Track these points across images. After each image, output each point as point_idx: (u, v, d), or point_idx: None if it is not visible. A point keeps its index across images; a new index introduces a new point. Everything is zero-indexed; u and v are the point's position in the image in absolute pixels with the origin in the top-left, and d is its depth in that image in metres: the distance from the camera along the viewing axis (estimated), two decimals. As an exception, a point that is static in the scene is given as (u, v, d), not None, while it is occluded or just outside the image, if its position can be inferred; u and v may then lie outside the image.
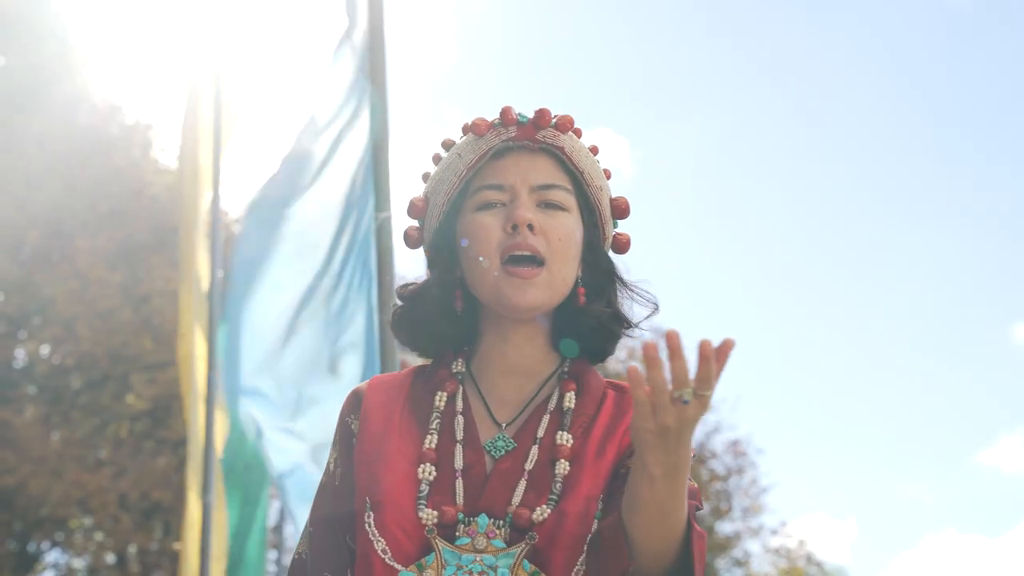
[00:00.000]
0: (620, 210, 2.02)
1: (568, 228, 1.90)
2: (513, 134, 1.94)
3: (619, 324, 1.97)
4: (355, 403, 1.96)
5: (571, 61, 38.90)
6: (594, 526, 1.78)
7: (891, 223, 38.56)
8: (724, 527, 24.63)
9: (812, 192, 38.54)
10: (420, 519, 1.77)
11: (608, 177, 2.02)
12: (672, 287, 37.37)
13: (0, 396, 18.14)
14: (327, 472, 1.97)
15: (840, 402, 39.57)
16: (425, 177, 2.02)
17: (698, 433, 24.88)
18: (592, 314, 1.93)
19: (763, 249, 37.86)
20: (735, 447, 24.64)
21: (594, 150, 2.00)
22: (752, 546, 25.22)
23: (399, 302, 2.00)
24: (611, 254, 2.03)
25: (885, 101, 38.42)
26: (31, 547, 18.66)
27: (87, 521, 18.50)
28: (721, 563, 24.70)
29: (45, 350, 19.00)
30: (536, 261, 1.86)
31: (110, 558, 19.12)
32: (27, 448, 16.95)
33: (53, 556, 19.19)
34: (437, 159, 2.00)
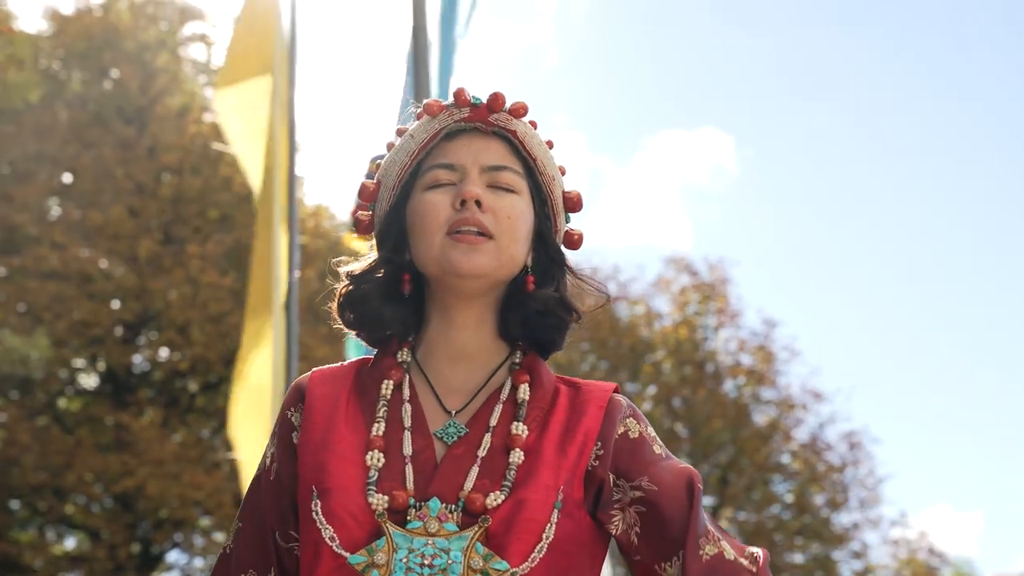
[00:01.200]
0: (573, 203, 1.99)
1: (518, 208, 1.88)
2: (466, 115, 1.91)
3: (566, 311, 1.92)
4: (297, 396, 1.93)
5: (673, 61, 38.65)
6: (554, 516, 1.75)
7: (1013, 212, 37.60)
8: (841, 519, 24.26)
9: (922, 183, 37.77)
10: (369, 504, 1.74)
11: (563, 173, 1.99)
12: (783, 282, 36.91)
13: (119, 400, 18.60)
14: (262, 466, 1.93)
15: (965, 391, 38.75)
16: (377, 165, 1.99)
17: (812, 424, 24.59)
18: (539, 298, 1.89)
19: (878, 239, 37.19)
20: (850, 438, 24.25)
21: (550, 144, 1.97)
22: (871, 538, 24.82)
23: (344, 281, 1.96)
24: (563, 249, 2.00)
25: (1008, 89, 37.48)
26: (154, 549, 19.07)
27: (206, 522, 18.86)
28: (839, 555, 24.33)
29: (163, 354, 19.41)
30: (483, 236, 1.84)
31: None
32: (146, 451, 17.34)
33: (174, 557, 19.60)
34: (391, 146, 1.97)
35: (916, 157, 37.41)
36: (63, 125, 18.56)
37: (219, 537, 19.33)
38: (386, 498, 1.74)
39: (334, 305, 1.96)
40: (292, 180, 7.85)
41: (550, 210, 1.95)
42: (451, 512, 1.74)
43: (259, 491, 1.91)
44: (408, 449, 1.79)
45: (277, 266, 7.22)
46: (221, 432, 18.93)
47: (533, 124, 1.94)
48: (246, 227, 18.23)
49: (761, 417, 24.46)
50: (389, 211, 1.94)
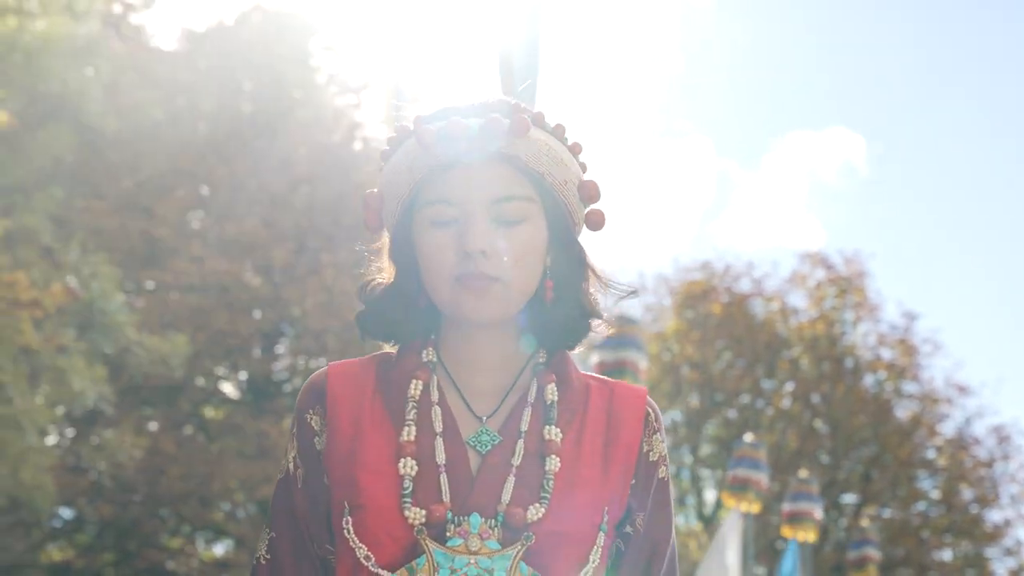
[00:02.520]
0: (589, 196, 1.84)
1: (526, 242, 1.75)
2: (463, 146, 1.75)
3: (587, 318, 1.83)
4: (315, 396, 1.83)
5: (798, 62, 38.04)
6: (600, 539, 1.71)
7: None
8: (992, 515, 23.66)
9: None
10: (406, 519, 1.67)
11: (578, 152, 1.84)
12: (923, 274, 36.07)
13: (260, 408, 18.93)
14: (285, 472, 1.84)
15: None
16: (384, 156, 1.84)
17: (958, 419, 24.02)
18: (558, 311, 1.80)
19: (1021, 225, 36.14)
20: (999, 432, 23.63)
21: (559, 130, 1.82)
22: (1024, 534, 24.18)
23: (363, 305, 1.86)
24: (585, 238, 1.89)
25: None
26: (296, 553, 19.37)
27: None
28: (992, 552, 23.74)
29: (301, 362, 19.71)
30: (491, 279, 1.73)
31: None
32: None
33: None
34: (394, 143, 1.83)
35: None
36: (200, 140, 18.96)
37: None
38: (423, 512, 1.66)
39: (359, 327, 1.87)
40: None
41: (566, 212, 1.82)
42: (492, 528, 1.67)
43: (290, 497, 1.82)
44: (441, 457, 1.71)
45: None
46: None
47: (539, 119, 1.80)
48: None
49: (904, 412, 23.99)
50: (396, 233, 1.82)
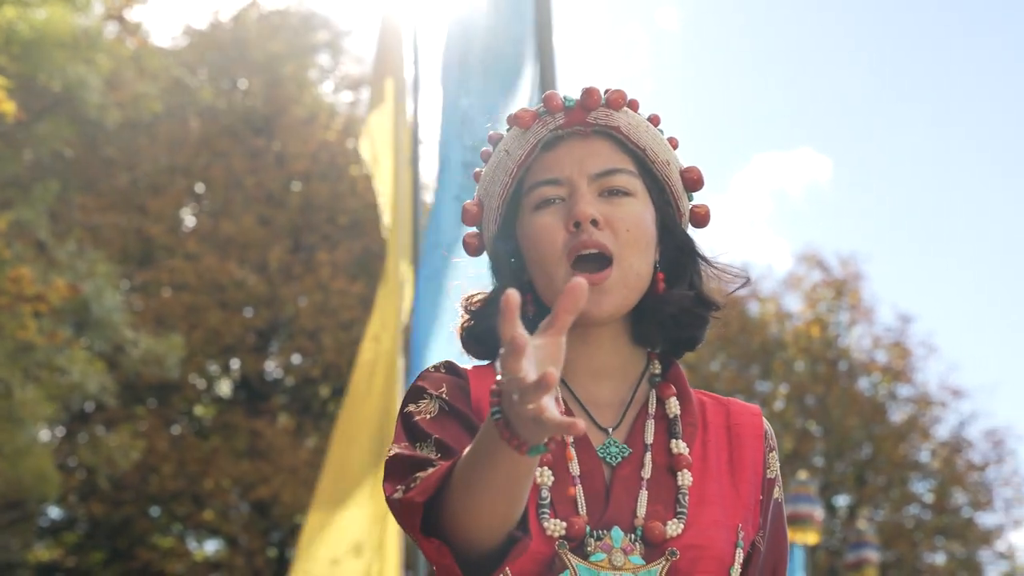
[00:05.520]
0: (693, 182, 1.81)
1: (636, 215, 1.71)
2: (562, 121, 1.74)
3: (704, 307, 1.77)
4: (459, 376, 1.73)
5: (765, 83, 38.21)
6: (738, 556, 1.65)
7: None
8: (986, 519, 23.66)
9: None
10: (544, 531, 1.58)
11: (675, 147, 1.81)
12: (918, 277, 36.16)
13: (253, 407, 18.82)
14: (441, 402, 1.68)
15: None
16: (477, 176, 1.83)
17: (952, 422, 24.01)
18: (673, 300, 1.73)
19: (1016, 230, 36.24)
20: (993, 436, 23.64)
21: (654, 120, 1.79)
22: (1017, 539, 24.21)
23: (466, 316, 1.80)
24: (691, 230, 1.83)
25: None
26: (289, 553, 19.27)
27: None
28: (985, 556, 23.76)
29: (295, 361, 19.60)
30: (605, 260, 1.68)
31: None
32: (279, 458, 17.51)
33: (309, 562, 19.77)
34: (486, 156, 1.82)
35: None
36: (194, 136, 18.85)
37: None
38: (564, 524, 1.59)
39: (457, 339, 1.81)
40: (416, 179, 7.73)
41: (670, 196, 1.79)
42: (633, 543, 1.61)
43: (456, 417, 1.67)
44: (576, 469, 1.64)
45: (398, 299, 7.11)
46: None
47: (634, 106, 1.78)
48: (375, 233, 18.32)
49: (898, 415, 23.99)
50: (498, 233, 1.79)
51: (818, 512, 13.34)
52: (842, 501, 23.98)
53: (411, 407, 1.69)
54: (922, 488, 24.06)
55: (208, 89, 18.96)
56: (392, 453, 1.64)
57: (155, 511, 18.94)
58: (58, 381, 12.18)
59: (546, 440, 1.35)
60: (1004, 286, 37.03)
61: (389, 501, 1.57)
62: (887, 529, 22.89)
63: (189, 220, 19.72)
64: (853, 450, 23.53)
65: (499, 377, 1.34)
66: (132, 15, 14.67)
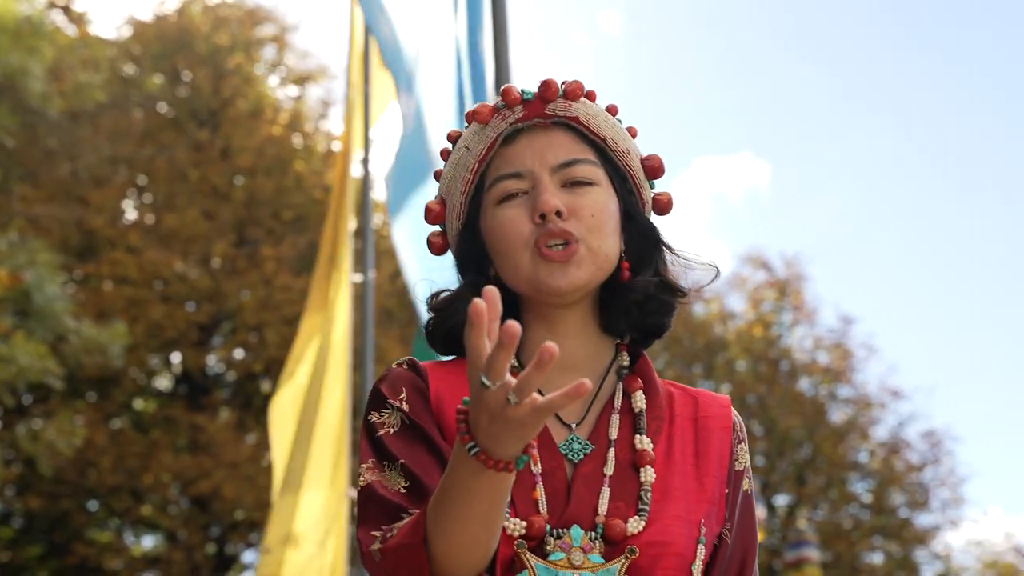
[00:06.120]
0: (654, 170, 1.82)
1: (600, 203, 1.72)
2: (520, 114, 1.75)
3: (669, 293, 1.77)
4: (419, 377, 1.72)
5: (706, 88, 38.55)
6: (700, 552, 1.64)
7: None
8: (922, 519, 23.92)
9: (1004, 175, 37.22)
10: (504, 530, 1.57)
11: (634, 136, 1.82)
12: (860, 279, 36.50)
13: (194, 402, 18.68)
14: (402, 415, 1.68)
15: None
16: (438, 176, 1.84)
17: (891, 423, 24.25)
18: (638, 287, 1.73)
19: (957, 233, 36.69)
20: (931, 437, 23.89)
21: (612, 110, 1.81)
22: (953, 539, 24.48)
23: (431, 313, 1.81)
24: (654, 218, 1.84)
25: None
26: (228, 549, 19.15)
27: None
28: (921, 556, 24.01)
29: (238, 354, 19.46)
30: (571, 243, 1.69)
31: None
32: (221, 453, 17.38)
33: (249, 557, 19.67)
34: (446, 155, 1.82)
35: (1006, 147, 36.90)
36: (137, 128, 18.67)
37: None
38: (523, 523, 1.58)
39: (426, 337, 1.81)
40: (367, 178, 7.75)
41: (632, 185, 1.80)
42: (593, 541, 1.60)
43: (417, 437, 1.67)
44: (538, 467, 1.63)
45: (341, 264, 7.10)
46: (295, 433, 18.95)
47: (592, 96, 1.79)
48: (319, 229, 18.23)
49: (838, 415, 24.18)
50: (462, 230, 1.79)
51: (760, 511, 13.46)
52: (782, 500, 24.15)
53: (373, 416, 1.70)
54: (861, 488, 24.28)
55: (152, 80, 18.79)
56: (363, 483, 1.64)
57: (93, 505, 18.73)
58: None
59: (526, 447, 1.38)
60: (943, 289, 37.51)
61: (368, 553, 1.58)
62: (826, 529, 23.08)
63: (131, 212, 19.53)
64: (794, 450, 23.70)
65: (464, 402, 1.38)
66: (76, 4, 14.50)
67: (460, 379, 1.72)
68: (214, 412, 18.71)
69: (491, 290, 1.34)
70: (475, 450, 1.38)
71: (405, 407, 1.69)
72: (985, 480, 37.64)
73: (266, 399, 19.47)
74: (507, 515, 1.58)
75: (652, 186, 1.84)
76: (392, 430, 1.67)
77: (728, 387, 23.96)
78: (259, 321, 18.21)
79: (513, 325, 1.30)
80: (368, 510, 1.61)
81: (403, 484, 1.62)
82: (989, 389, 37.98)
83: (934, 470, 23.86)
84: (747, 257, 24.91)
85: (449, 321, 1.76)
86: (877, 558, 23.96)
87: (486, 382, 1.34)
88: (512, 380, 1.33)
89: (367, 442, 1.69)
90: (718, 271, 1.83)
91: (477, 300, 1.32)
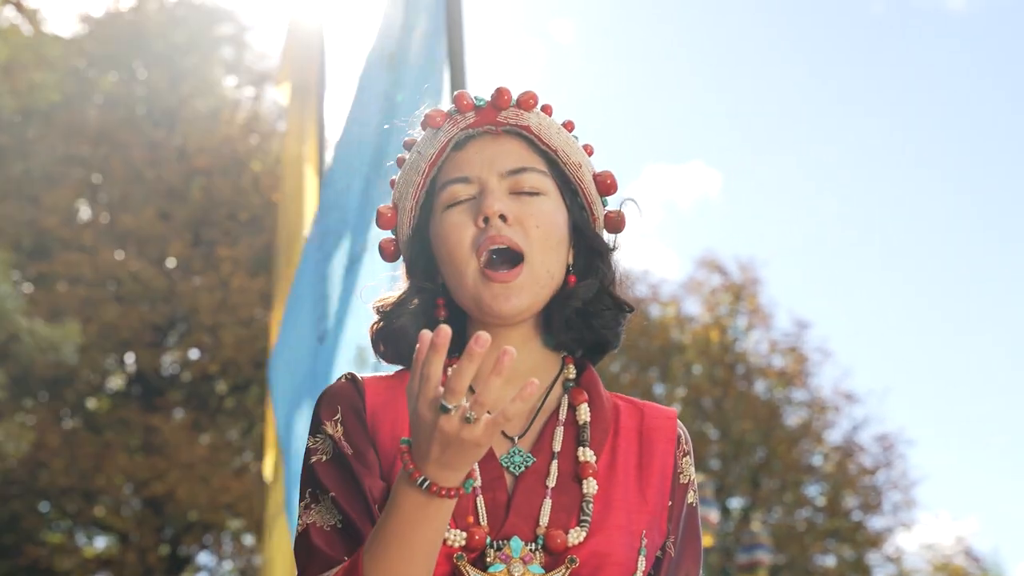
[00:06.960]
0: (607, 186, 1.81)
1: (547, 213, 1.71)
2: (472, 120, 1.75)
3: (612, 304, 1.76)
4: (357, 393, 1.72)
5: (658, 97, 38.77)
6: (640, 563, 1.66)
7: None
8: (875, 522, 24.08)
9: (960, 182, 37.57)
10: (445, 542, 1.57)
11: (590, 153, 1.82)
12: (815, 283, 36.75)
13: (148, 402, 18.55)
14: (333, 443, 1.69)
15: (1003, 392, 38.47)
16: (392, 184, 1.83)
17: (845, 426, 24.42)
18: (578, 293, 1.73)
19: (912, 239, 37.00)
20: (883, 440, 24.07)
21: (568, 126, 1.80)
22: (905, 541, 24.68)
23: (377, 318, 1.80)
24: (606, 236, 1.83)
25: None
26: (182, 551, 19.03)
27: (235, 524, 18.79)
28: (873, 559, 24.17)
29: (194, 355, 19.35)
30: (516, 257, 1.68)
31: (258, 561, 19.40)
32: (175, 454, 17.27)
33: (203, 559, 19.56)
34: (401, 162, 1.82)
35: (956, 153, 37.28)
36: (92, 127, 18.52)
37: (248, 540, 19.26)
38: (463, 535, 1.59)
39: (371, 342, 1.81)
40: (322, 160, 7.66)
41: (583, 199, 1.79)
42: (533, 552, 1.60)
43: (346, 469, 1.67)
44: (477, 480, 1.63)
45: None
46: (250, 434, 18.88)
47: (547, 110, 1.79)
48: (276, 230, 18.14)
49: (792, 419, 24.33)
50: (412, 235, 1.79)
51: (713, 514, 13.51)
52: (736, 503, 24.26)
53: (311, 441, 1.71)
54: (815, 491, 24.43)
55: (108, 79, 18.65)
56: (301, 527, 1.65)
57: (44, 507, 18.57)
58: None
59: (470, 471, 1.42)
60: (895, 294, 37.81)
61: None
62: (780, 531, 23.21)
63: (85, 212, 19.36)
64: (748, 453, 23.82)
65: (406, 441, 1.43)
66: (29, 1, 14.34)
67: (396, 395, 1.72)
68: (168, 413, 18.59)
69: (445, 331, 1.35)
70: (426, 483, 1.41)
71: (338, 431, 1.69)
72: (934, 483, 37.98)
73: (221, 400, 19.41)
74: (448, 527, 1.57)
75: (605, 203, 1.83)
76: (324, 457, 1.68)
77: (684, 390, 24.06)
78: (215, 322, 18.11)
79: (484, 335, 1.32)
80: (301, 559, 1.64)
81: (338, 519, 1.63)
82: (940, 393, 38.35)
83: (887, 473, 24.05)
84: (703, 261, 25.02)
85: (393, 325, 1.76)
86: (830, 561, 24.11)
87: (448, 406, 1.35)
88: (465, 403, 1.34)
89: (304, 467, 1.70)
90: (632, 309, 1.81)
91: (443, 326, 1.34)
